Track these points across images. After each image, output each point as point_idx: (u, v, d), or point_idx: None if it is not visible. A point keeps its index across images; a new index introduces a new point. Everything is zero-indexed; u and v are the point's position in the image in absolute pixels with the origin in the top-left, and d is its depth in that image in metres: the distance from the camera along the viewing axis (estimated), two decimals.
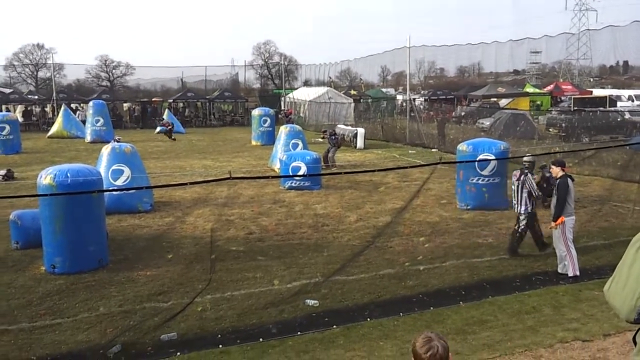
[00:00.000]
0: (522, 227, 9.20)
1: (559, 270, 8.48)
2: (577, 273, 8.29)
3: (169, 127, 30.03)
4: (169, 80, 58.80)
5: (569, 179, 8.37)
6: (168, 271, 8.72)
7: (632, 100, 38.13)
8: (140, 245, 10.21)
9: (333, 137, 19.44)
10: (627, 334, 6.36)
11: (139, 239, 10.69)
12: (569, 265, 8.31)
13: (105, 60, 65.48)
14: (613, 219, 11.57)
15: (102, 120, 30.13)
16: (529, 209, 9.10)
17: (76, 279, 8.33)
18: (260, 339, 6.44)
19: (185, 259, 9.39)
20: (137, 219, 12.06)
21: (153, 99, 47.10)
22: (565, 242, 8.34)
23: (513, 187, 9.34)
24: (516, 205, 9.26)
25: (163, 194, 14.00)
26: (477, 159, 12.28)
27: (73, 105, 40.72)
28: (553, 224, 8.45)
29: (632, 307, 2.72)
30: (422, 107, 39.45)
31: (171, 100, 45.26)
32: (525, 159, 9.78)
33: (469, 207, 12.55)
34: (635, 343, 2.80)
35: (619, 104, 33.70)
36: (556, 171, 8.50)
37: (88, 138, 29.82)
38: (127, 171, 12.61)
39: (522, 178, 9.09)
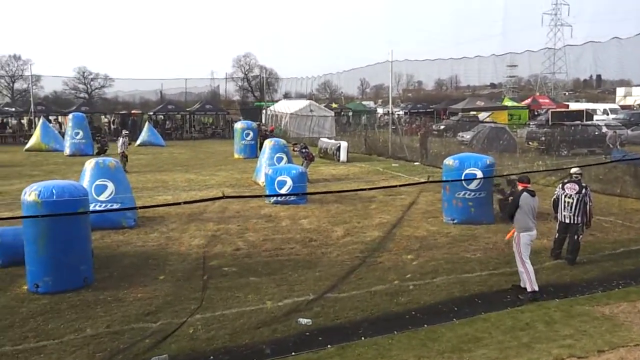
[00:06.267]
0: (582, 236, 9.72)
1: (521, 285, 8.37)
2: (536, 288, 8.13)
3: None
4: (148, 92, 58.50)
5: (525, 193, 8.41)
6: (155, 289, 8.53)
7: (607, 114, 38.93)
8: (125, 263, 10.00)
9: (304, 151, 19.38)
10: (621, 350, 6.40)
11: (123, 256, 10.47)
12: (526, 281, 8.20)
13: (84, 72, 64.96)
14: (598, 233, 11.68)
15: (81, 133, 29.73)
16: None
17: (61, 299, 8.10)
18: None
19: (173, 276, 9.20)
20: (121, 235, 11.83)
21: (132, 111, 46.66)
22: (520, 258, 8.29)
23: (569, 199, 9.63)
24: (572, 217, 9.63)
25: (147, 209, 13.75)
26: (464, 173, 12.37)
27: (51, 118, 40.13)
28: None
29: None
30: (402, 120, 39.69)
31: (151, 113, 44.90)
32: (575, 170, 10.03)
33: (455, 222, 12.58)
34: None
35: (594, 117, 34.33)
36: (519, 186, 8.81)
37: (67, 151, 29.39)
38: (110, 186, 12.39)
39: (584, 191, 9.62)
